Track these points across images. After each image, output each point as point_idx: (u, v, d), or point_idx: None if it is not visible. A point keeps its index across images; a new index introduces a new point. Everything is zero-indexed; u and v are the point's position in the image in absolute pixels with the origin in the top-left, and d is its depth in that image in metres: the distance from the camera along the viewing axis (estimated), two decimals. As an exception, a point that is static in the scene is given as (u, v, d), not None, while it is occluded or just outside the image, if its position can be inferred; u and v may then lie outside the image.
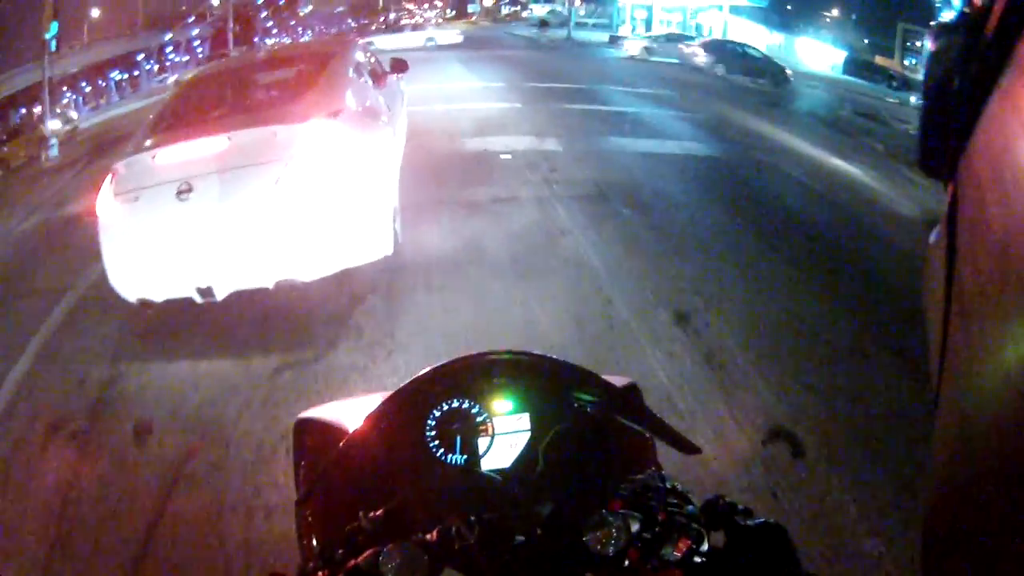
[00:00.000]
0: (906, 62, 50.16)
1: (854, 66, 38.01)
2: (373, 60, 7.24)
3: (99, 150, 17.36)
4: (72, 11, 31.01)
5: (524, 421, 1.01)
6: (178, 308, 4.82)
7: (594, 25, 63.58)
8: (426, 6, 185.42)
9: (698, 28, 54.67)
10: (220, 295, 4.58)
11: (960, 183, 0.64)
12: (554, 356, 1.05)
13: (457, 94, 14.70)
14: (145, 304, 4.77)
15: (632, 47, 31.73)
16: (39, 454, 4.06)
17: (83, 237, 5.90)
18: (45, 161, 18.83)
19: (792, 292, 5.37)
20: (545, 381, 1.04)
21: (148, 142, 5.06)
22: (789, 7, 69.39)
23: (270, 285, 4.58)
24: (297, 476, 1.14)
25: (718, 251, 6.15)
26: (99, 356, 4.99)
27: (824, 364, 4.33)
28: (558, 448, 1.01)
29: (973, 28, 0.62)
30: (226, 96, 6.02)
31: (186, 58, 77.61)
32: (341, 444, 1.01)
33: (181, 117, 5.61)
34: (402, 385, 1.02)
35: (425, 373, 1.01)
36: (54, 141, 20.15)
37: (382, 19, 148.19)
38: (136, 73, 71.96)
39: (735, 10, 54.51)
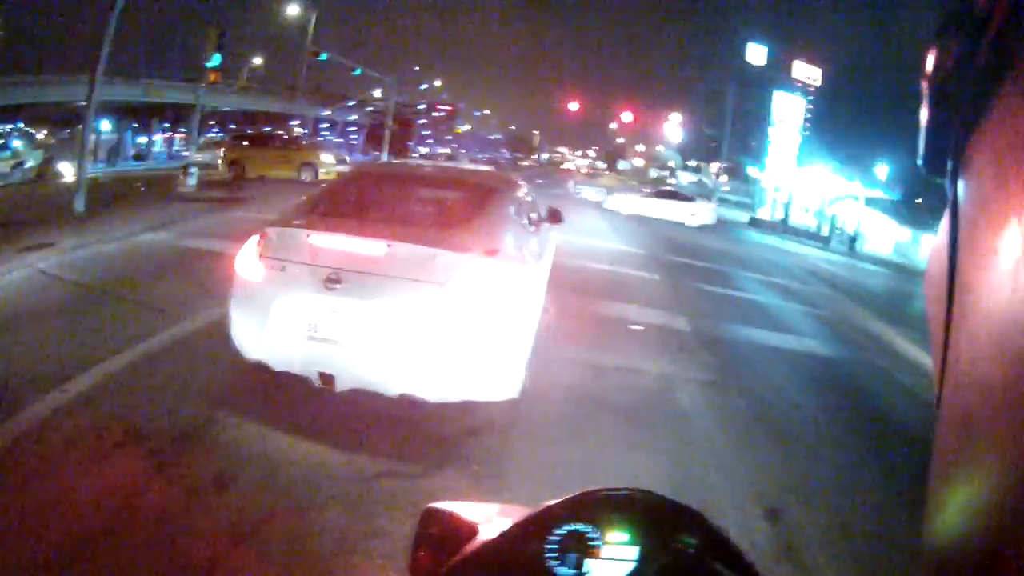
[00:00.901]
0: None
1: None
2: (532, 203, 7.29)
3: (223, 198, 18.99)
4: (232, 49, 32.20)
5: (632, 552, 1.06)
6: (295, 380, 4.92)
7: (736, 203, 64.04)
8: (579, 152, 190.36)
9: (833, 219, 54.35)
10: (340, 387, 4.71)
11: (962, 181, 0.65)
12: (669, 497, 1.12)
13: (597, 254, 15.31)
14: (261, 367, 4.90)
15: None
16: (113, 457, 4.29)
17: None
18: (182, 187, 20.10)
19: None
20: (655, 518, 1.11)
21: (305, 220, 5.22)
22: (919, 201, 68.58)
23: (393, 395, 4.66)
24: (415, 561, 1.16)
25: (815, 449, 6.31)
26: (203, 394, 5.27)
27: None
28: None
29: (977, 24, 0.61)
30: (388, 199, 6.07)
31: (339, 140, 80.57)
32: (471, 542, 1.10)
33: (341, 206, 5.78)
34: (534, 510, 1.09)
35: (560, 501, 1.08)
36: (194, 171, 21.42)
37: (535, 157, 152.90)
38: (286, 137, 75.22)
39: (870, 202, 54.19)
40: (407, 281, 4.60)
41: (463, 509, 1.21)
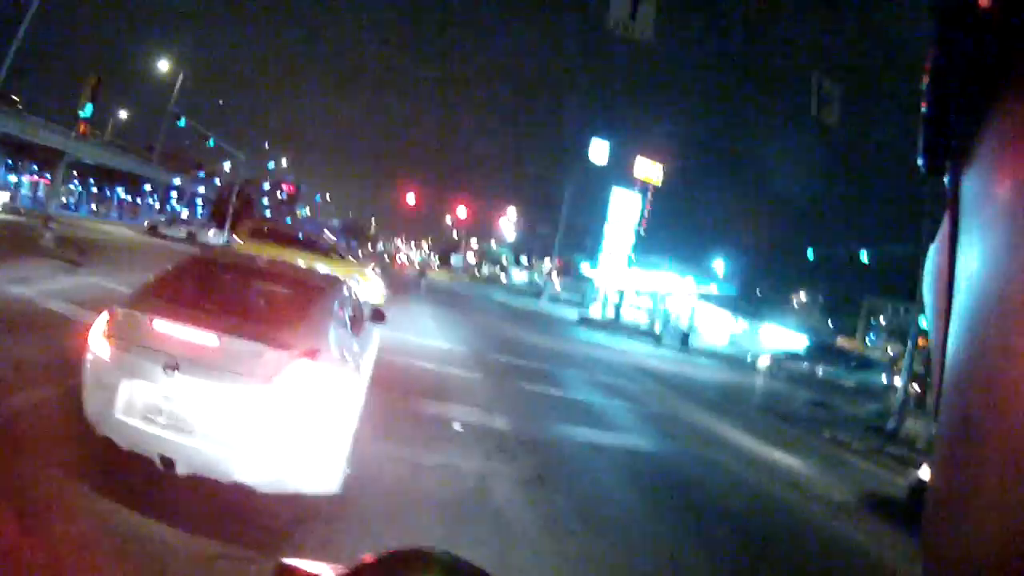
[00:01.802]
0: (868, 340, 51.75)
1: (815, 351, 39.26)
2: (356, 303, 7.63)
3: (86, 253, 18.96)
4: (101, 101, 30.68)
5: None
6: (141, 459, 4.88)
7: (566, 301, 65.47)
8: (412, 244, 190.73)
9: (665, 313, 56.29)
10: (180, 471, 4.76)
11: (962, 181, 0.66)
12: (465, 559, 1.20)
13: (421, 351, 15.24)
14: (109, 442, 4.89)
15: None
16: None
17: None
18: (40, 240, 19.66)
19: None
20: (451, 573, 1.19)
21: (147, 304, 5.30)
22: (758, 292, 72.60)
23: (227, 481, 4.76)
24: None
25: (636, 539, 6.48)
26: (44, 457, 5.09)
27: None
28: None
29: (978, 24, 0.62)
30: (223, 289, 6.36)
31: (185, 211, 78.73)
32: None
33: (182, 291, 5.89)
34: (362, 562, 1.16)
35: (380, 556, 1.17)
36: (54, 226, 20.99)
37: (369, 246, 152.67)
38: (139, 200, 71.73)
39: (707, 297, 56.61)
40: (233, 374, 4.76)
41: (308, 566, 1.28)
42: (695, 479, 9.56)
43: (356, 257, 28.09)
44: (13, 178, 58.71)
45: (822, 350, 39.55)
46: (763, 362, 30.31)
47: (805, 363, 30.79)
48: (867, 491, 11.01)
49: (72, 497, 4.51)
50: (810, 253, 49.30)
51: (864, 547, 8.15)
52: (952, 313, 0.62)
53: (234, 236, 27.37)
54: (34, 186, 61.49)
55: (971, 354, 0.58)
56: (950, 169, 0.68)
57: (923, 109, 0.68)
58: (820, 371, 30.49)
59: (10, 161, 58.05)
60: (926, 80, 0.67)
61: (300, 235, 27.86)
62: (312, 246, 26.14)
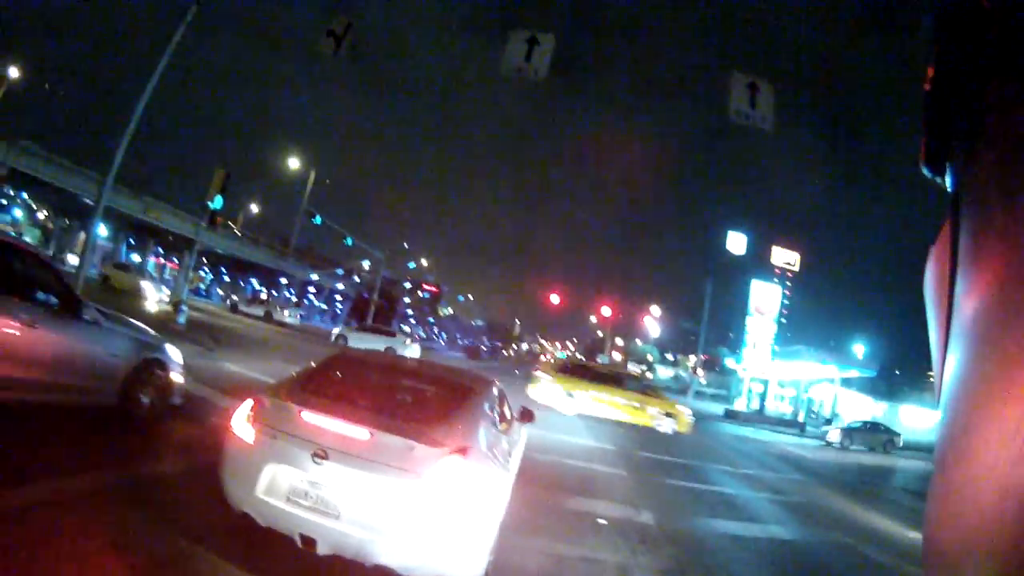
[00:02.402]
0: None
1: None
2: (505, 401, 7.76)
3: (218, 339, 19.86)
4: (232, 192, 31.02)
5: None
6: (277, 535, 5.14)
7: (712, 396, 64.15)
8: (558, 345, 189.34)
9: (809, 401, 54.48)
10: (321, 551, 4.94)
11: (963, 183, 0.65)
12: None
13: (567, 449, 15.58)
14: (246, 518, 5.17)
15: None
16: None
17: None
18: (171, 323, 20.59)
19: None
20: None
21: (296, 395, 5.61)
22: (897, 372, 68.83)
23: (369, 564, 4.92)
24: None
25: None
26: (184, 529, 5.56)
27: None
28: None
29: (977, 24, 0.63)
30: (373, 387, 6.59)
31: (324, 306, 79.85)
32: None
33: (329, 386, 6.22)
34: None
35: None
36: (185, 308, 21.90)
37: (514, 346, 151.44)
38: (275, 293, 73.72)
39: (847, 382, 54.41)
40: (386, 467, 4.96)
41: None
42: (831, 564, 9.66)
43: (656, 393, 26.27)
44: (137, 257, 60.28)
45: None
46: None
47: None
48: None
49: (205, 558, 5.23)
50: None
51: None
52: (953, 313, 0.64)
53: (541, 372, 26.42)
54: (159, 268, 63.25)
55: (972, 354, 0.59)
56: (950, 169, 0.71)
57: (924, 109, 0.71)
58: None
59: (132, 240, 59.73)
60: (928, 80, 0.70)
61: (617, 374, 27.58)
62: (621, 383, 25.91)
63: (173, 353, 9.01)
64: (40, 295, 7.01)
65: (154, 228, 55.65)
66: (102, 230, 45.86)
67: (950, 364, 0.64)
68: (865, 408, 53.77)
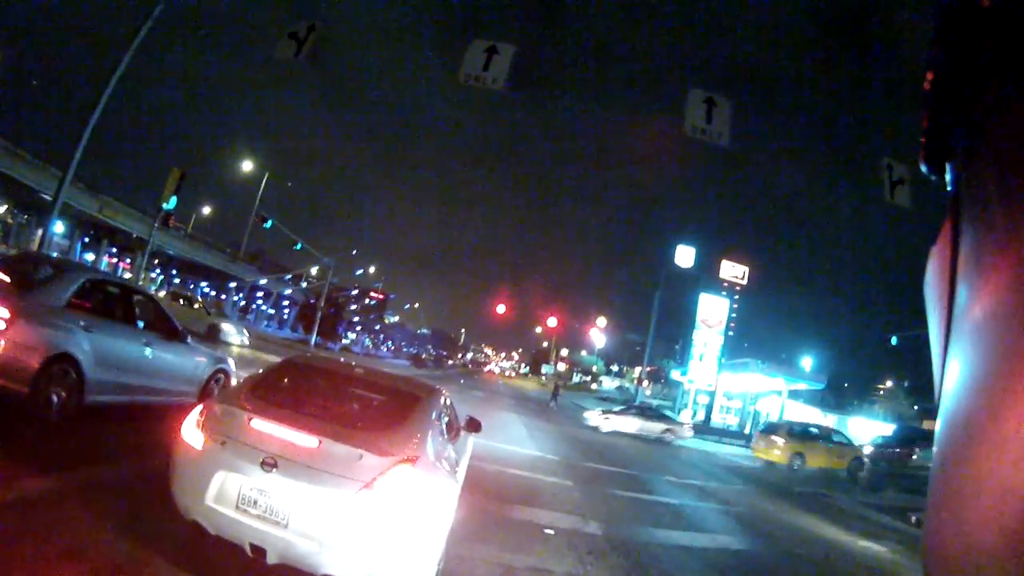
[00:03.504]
0: None
1: (902, 439, 38.05)
2: (452, 411, 7.75)
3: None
4: (186, 193, 30.55)
5: None
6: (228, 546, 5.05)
7: (658, 407, 64.86)
8: (503, 355, 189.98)
9: (756, 414, 55.17)
10: (270, 561, 4.89)
11: (963, 182, 0.65)
12: None
13: (513, 460, 15.52)
14: (195, 527, 5.08)
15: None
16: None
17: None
18: None
19: None
20: None
21: (246, 401, 5.52)
22: (845, 385, 70.27)
23: (317, 574, 4.90)
24: None
25: None
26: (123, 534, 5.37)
27: None
28: None
29: (978, 24, 0.62)
30: (322, 394, 6.53)
31: (271, 311, 79.55)
32: None
33: (279, 393, 6.17)
34: None
35: None
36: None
37: (459, 356, 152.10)
38: (223, 297, 72.68)
39: (795, 394, 55.22)
40: (335, 476, 4.90)
41: None
42: (781, 572, 9.72)
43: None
44: (91, 256, 58.91)
45: (908, 435, 38.22)
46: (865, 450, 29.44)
47: (896, 450, 29.79)
48: None
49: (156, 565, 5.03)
50: (894, 340, 48.14)
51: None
52: (953, 313, 0.65)
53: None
54: (112, 268, 62.36)
55: (971, 354, 0.60)
56: (950, 169, 0.71)
57: (924, 110, 0.72)
58: (914, 456, 29.50)
59: (87, 239, 58.79)
60: (928, 80, 0.70)
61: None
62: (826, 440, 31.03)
63: (231, 363, 12.00)
64: (154, 326, 9.80)
65: (109, 228, 54.98)
66: (58, 227, 45.04)
67: (950, 364, 0.63)
68: (814, 419, 54.67)
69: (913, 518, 16.43)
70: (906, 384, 78.65)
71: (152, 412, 5.72)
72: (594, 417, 34.01)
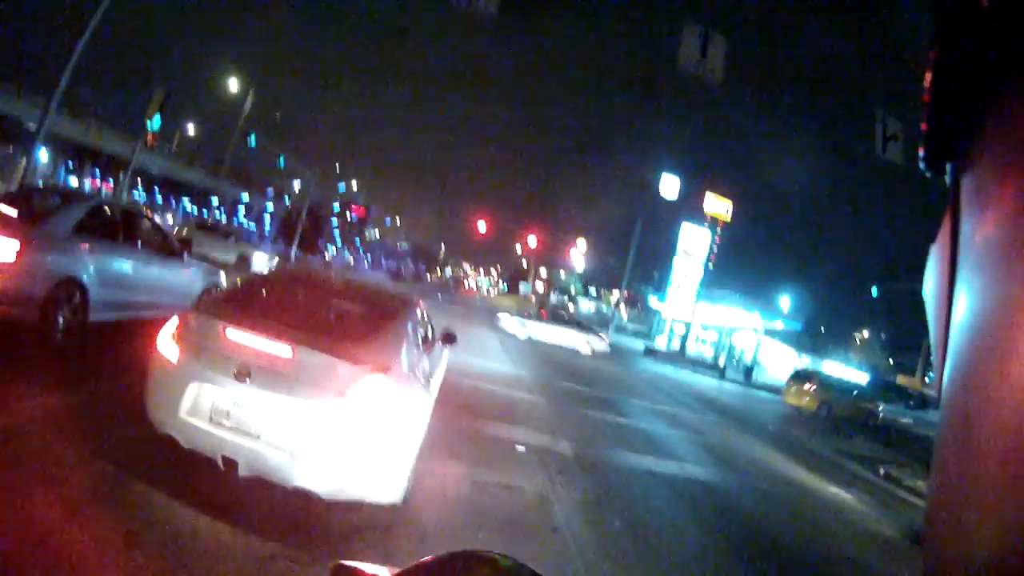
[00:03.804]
0: (927, 379, 50.53)
1: (875, 388, 38.48)
2: (428, 323, 7.74)
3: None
4: (170, 112, 30.30)
5: None
6: (200, 458, 5.04)
7: (633, 332, 65.14)
8: (482, 271, 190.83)
9: (730, 347, 55.66)
10: (242, 473, 4.89)
11: (963, 181, 0.66)
12: (523, 563, 1.34)
13: (488, 375, 15.60)
14: (169, 439, 5.04)
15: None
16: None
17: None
18: None
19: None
20: None
21: (221, 312, 5.48)
22: (822, 329, 71.08)
23: (289, 486, 4.90)
24: None
25: (689, 566, 6.62)
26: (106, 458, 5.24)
27: None
28: None
29: (978, 24, 0.63)
30: (300, 304, 6.57)
31: (253, 226, 79.66)
32: None
33: (256, 303, 6.12)
34: (421, 561, 1.26)
35: (438, 557, 1.27)
36: None
37: (438, 271, 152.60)
38: (206, 212, 72.97)
39: (772, 332, 55.71)
40: (307, 386, 4.87)
41: (366, 567, 1.38)
42: (748, 508, 9.71)
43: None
44: (75, 181, 58.68)
45: (881, 387, 38.65)
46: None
47: (868, 401, 30.37)
48: (909, 526, 11.00)
49: (125, 490, 4.88)
50: (874, 291, 48.49)
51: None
52: (952, 313, 0.65)
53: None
54: (95, 190, 62.12)
55: (971, 354, 0.60)
56: (950, 169, 0.71)
57: (924, 109, 0.71)
58: (880, 409, 30.04)
59: (71, 163, 58.64)
60: (928, 80, 0.70)
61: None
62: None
63: (222, 278, 12.89)
64: (154, 245, 10.45)
65: (92, 150, 54.23)
66: (42, 155, 45.31)
67: (950, 363, 0.63)
68: (789, 360, 55.16)
69: (882, 471, 16.65)
70: (883, 336, 79.56)
71: (151, 326, 5.58)
72: (510, 323, 33.09)
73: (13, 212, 8.13)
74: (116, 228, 9.54)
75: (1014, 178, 0.57)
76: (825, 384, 30.14)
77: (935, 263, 0.72)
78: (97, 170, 61.92)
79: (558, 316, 36.62)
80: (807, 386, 29.60)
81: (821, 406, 28.39)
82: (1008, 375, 0.51)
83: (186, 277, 11.18)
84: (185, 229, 32.94)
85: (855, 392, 31.25)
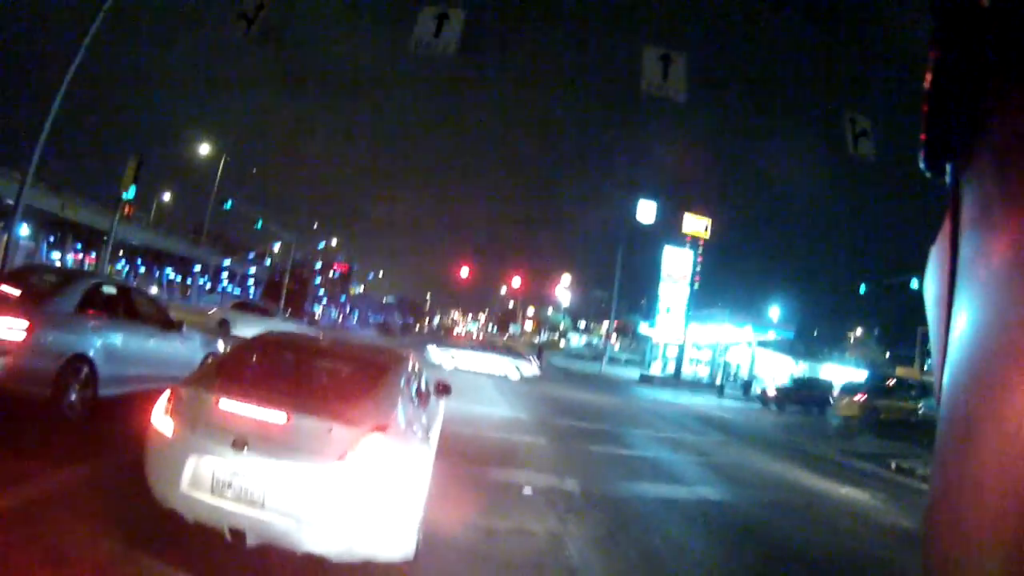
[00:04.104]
0: (926, 367, 50.48)
1: (875, 384, 38.41)
2: (421, 377, 7.68)
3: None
4: (146, 182, 30.56)
5: None
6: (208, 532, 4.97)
7: (627, 361, 65.01)
8: (470, 316, 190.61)
9: (726, 364, 55.66)
10: (250, 542, 4.85)
11: (963, 181, 0.66)
12: None
13: (486, 421, 15.45)
14: (175, 515, 4.99)
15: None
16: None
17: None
18: None
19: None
20: None
21: (213, 383, 5.45)
22: (815, 333, 71.09)
23: (298, 552, 4.84)
24: None
25: None
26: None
27: None
28: None
29: (978, 24, 0.63)
30: (290, 370, 6.54)
31: (237, 291, 79.46)
32: None
33: (246, 372, 6.15)
34: None
35: None
36: None
37: (427, 321, 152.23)
38: (189, 281, 72.64)
39: (765, 344, 55.75)
40: (306, 452, 4.85)
41: None
42: (764, 521, 9.58)
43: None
44: (57, 255, 58.34)
45: (881, 382, 38.60)
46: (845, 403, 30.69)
47: (910, 400, 30.91)
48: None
49: (139, 565, 4.83)
50: (862, 288, 48.75)
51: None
52: (952, 313, 0.65)
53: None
54: (78, 264, 61.92)
55: (971, 354, 0.60)
56: (950, 169, 0.71)
57: (924, 110, 0.71)
58: (920, 405, 30.51)
59: (52, 238, 58.29)
60: (927, 81, 0.70)
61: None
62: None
63: (220, 346, 13.07)
64: (153, 319, 10.71)
65: (72, 224, 54.21)
66: (23, 230, 44.85)
67: (950, 364, 0.63)
68: (786, 369, 55.06)
69: (892, 465, 16.54)
70: (876, 331, 79.90)
71: (158, 398, 5.59)
72: (437, 354, 32.16)
73: (17, 292, 8.50)
74: (116, 304, 9.86)
75: (1014, 178, 0.56)
76: (871, 392, 31.71)
77: (935, 264, 0.72)
78: (79, 244, 61.91)
79: (491, 344, 38.22)
80: (857, 397, 31.14)
81: (870, 413, 29.41)
82: (1008, 375, 0.51)
83: (186, 348, 11.31)
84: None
85: (900, 395, 32.23)
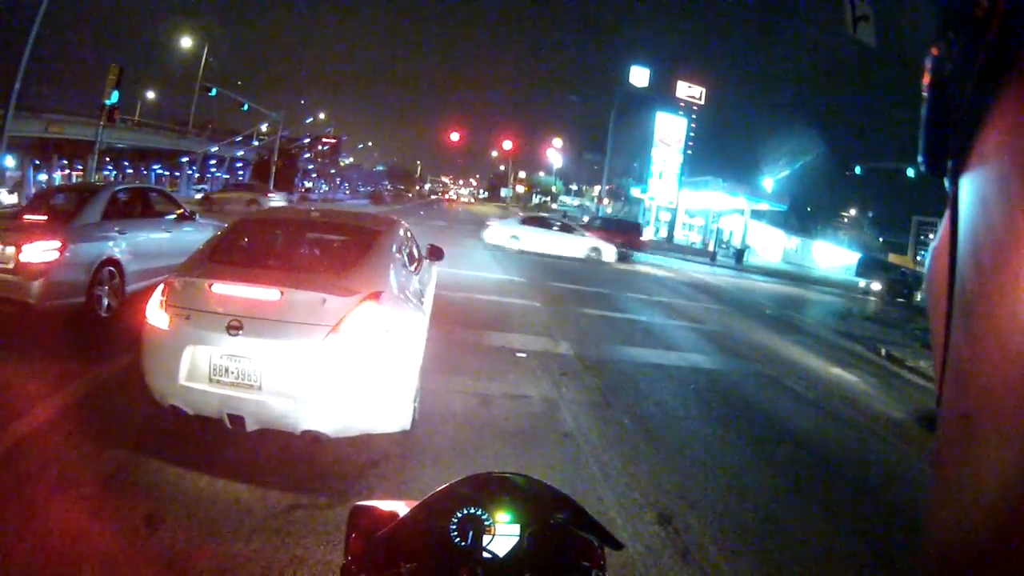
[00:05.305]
0: (919, 257, 50.93)
1: (867, 267, 38.59)
2: (413, 242, 7.71)
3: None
4: (128, 84, 30.87)
5: (515, 528, 1.34)
6: (206, 421, 5.09)
7: (569, 218, 65.49)
8: (461, 183, 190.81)
9: (719, 231, 55.76)
10: (249, 427, 4.92)
11: (963, 181, 0.66)
12: (536, 479, 1.38)
13: (481, 285, 15.51)
14: (175, 411, 5.06)
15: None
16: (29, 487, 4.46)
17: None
18: None
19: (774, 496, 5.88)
20: (532, 497, 1.38)
21: (205, 269, 5.45)
22: (808, 209, 71.20)
23: (297, 432, 4.93)
24: (347, 548, 1.39)
25: (701, 457, 6.51)
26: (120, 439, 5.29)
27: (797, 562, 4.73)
28: (535, 546, 1.35)
29: (978, 25, 0.62)
30: (280, 246, 6.64)
31: (226, 176, 79.24)
32: (390, 525, 1.34)
33: (237, 254, 6.12)
34: (438, 490, 1.34)
35: (454, 483, 1.35)
36: None
37: (417, 188, 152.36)
38: (177, 174, 72.72)
39: (758, 215, 55.81)
40: (301, 326, 4.87)
41: (382, 504, 1.44)
42: (753, 394, 9.64)
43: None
44: (43, 176, 57.92)
45: (872, 266, 38.82)
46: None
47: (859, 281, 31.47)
48: (921, 409, 10.67)
49: (145, 467, 4.85)
50: (858, 169, 48.44)
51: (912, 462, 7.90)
52: (953, 313, 0.64)
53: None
54: (66, 178, 61.27)
55: (971, 354, 0.59)
56: (950, 169, 0.69)
57: (924, 109, 0.70)
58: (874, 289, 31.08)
59: (37, 161, 57.78)
60: (927, 80, 0.68)
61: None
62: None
63: None
64: (168, 212, 11.67)
65: (57, 143, 52.96)
66: (9, 161, 44.25)
67: (950, 364, 0.63)
68: (778, 241, 55.25)
69: (883, 351, 16.63)
70: (870, 214, 79.80)
71: None
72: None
73: (43, 217, 9.33)
74: (134, 205, 10.82)
75: (1014, 178, 0.55)
76: (892, 278, 32.82)
77: (935, 263, 0.70)
78: (64, 160, 60.95)
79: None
80: (875, 284, 32.62)
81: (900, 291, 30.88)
82: (1008, 375, 0.50)
83: (201, 235, 11.45)
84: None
85: (919, 282, 32.58)
